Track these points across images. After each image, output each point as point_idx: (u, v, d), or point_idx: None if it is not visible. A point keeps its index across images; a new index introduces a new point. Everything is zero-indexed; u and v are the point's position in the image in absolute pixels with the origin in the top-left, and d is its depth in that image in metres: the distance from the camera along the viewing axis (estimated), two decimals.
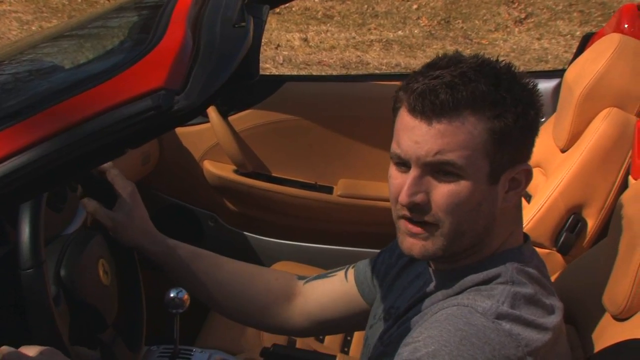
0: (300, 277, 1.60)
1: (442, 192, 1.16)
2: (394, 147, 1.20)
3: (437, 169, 1.16)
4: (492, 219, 1.20)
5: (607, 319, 1.34)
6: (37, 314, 1.16)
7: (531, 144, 1.22)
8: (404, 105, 1.19)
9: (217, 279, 1.54)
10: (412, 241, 1.20)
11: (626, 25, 2.39)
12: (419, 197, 1.16)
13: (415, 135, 1.16)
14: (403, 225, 1.21)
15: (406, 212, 1.19)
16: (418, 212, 1.18)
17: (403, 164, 1.19)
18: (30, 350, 1.10)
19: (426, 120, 1.15)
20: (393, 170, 1.22)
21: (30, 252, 1.16)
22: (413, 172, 1.17)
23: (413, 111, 1.16)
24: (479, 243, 1.22)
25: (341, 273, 1.57)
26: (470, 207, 1.17)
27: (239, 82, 1.08)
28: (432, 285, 1.27)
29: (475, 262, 1.23)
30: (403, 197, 1.17)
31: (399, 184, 1.19)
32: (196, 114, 1.03)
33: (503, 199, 1.21)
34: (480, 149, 1.15)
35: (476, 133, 1.14)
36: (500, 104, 1.15)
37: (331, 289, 1.55)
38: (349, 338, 2.20)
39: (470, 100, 1.13)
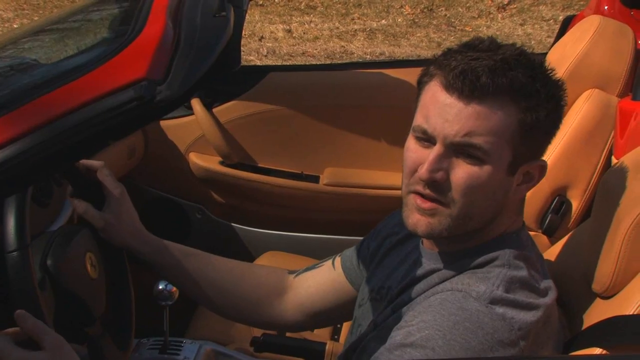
0: (292, 272, 1.60)
1: (462, 173, 1.15)
2: (420, 121, 1.18)
3: (462, 150, 1.15)
4: (500, 207, 1.21)
5: (592, 297, 1.35)
6: (21, 297, 1.14)
7: (550, 141, 1.22)
8: (436, 81, 1.17)
9: (208, 277, 1.54)
10: (418, 217, 1.19)
11: (606, 7, 2.41)
12: (439, 175, 1.15)
13: (447, 113, 1.15)
14: (412, 200, 1.19)
15: (420, 188, 1.17)
16: (434, 189, 1.17)
17: (427, 140, 1.18)
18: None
19: (464, 100, 1.14)
20: (412, 143, 1.20)
21: (15, 235, 1.15)
22: (437, 149, 1.15)
23: (450, 88, 1.15)
24: (483, 228, 1.22)
25: (329, 262, 1.57)
26: (484, 192, 1.16)
27: (220, 71, 1.09)
28: (427, 267, 1.26)
29: (474, 245, 1.23)
30: (423, 173, 1.15)
31: (418, 157, 1.18)
32: (179, 103, 1.03)
33: (515, 190, 1.21)
34: (507, 137, 1.15)
35: (508, 121, 1.14)
36: (535, 97, 1.15)
37: (320, 279, 1.56)
38: (338, 326, 2.21)
39: (510, 88, 1.13)
